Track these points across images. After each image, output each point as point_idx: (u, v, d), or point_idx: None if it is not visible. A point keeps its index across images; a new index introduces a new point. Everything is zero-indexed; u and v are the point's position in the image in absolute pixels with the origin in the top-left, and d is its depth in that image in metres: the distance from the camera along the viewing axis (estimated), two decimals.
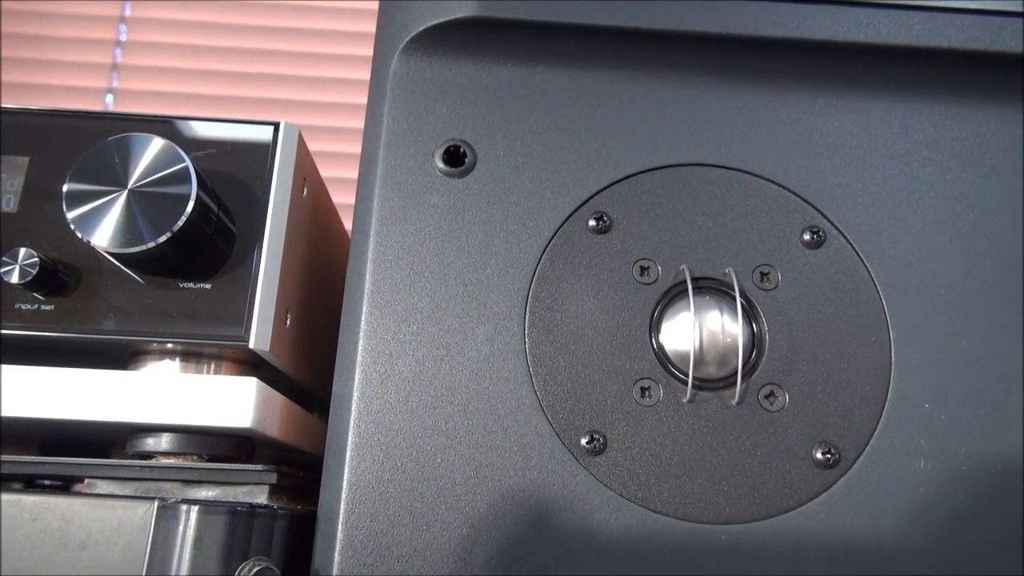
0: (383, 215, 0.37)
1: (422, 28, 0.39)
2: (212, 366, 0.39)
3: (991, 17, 0.39)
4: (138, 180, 0.36)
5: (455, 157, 0.37)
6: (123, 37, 1.15)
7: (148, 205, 0.35)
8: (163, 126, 0.40)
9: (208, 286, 0.36)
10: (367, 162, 0.38)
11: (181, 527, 0.32)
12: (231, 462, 0.37)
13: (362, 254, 0.36)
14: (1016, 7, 0.39)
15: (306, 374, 0.44)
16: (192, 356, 0.39)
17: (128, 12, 1.16)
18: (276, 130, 0.39)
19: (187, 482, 0.35)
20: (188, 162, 0.36)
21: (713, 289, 0.36)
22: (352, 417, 0.34)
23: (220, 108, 1.14)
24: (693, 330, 0.35)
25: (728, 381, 0.35)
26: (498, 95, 0.38)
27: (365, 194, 0.37)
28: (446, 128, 0.38)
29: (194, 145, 0.39)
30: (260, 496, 0.36)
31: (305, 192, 0.42)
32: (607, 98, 0.38)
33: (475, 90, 0.38)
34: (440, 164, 0.37)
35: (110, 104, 1.13)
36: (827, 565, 0.33)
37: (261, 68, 1.16)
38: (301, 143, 0.41)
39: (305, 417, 0.43)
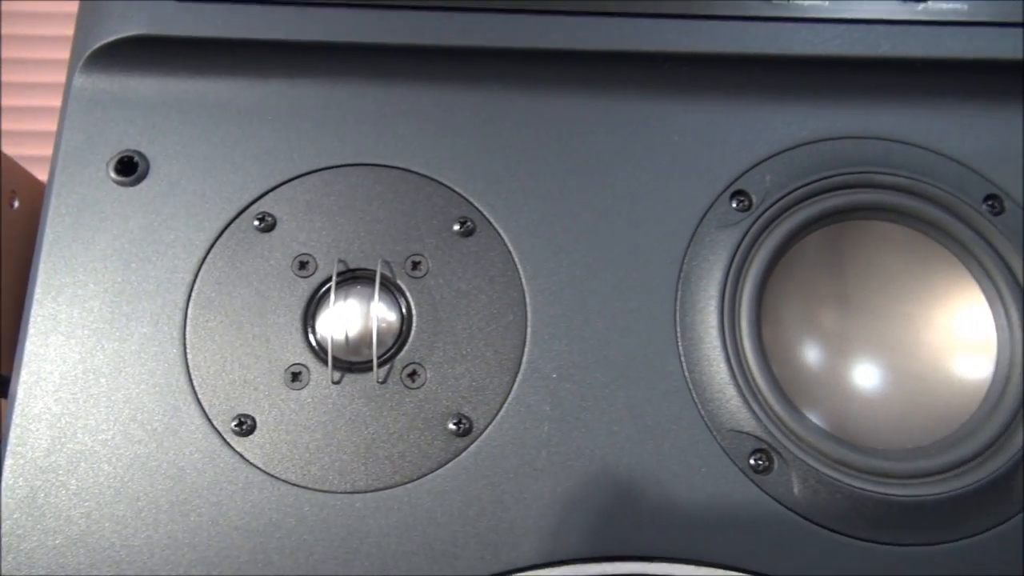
0: (56, 223, 0.39)
1: (98, 45, 0.41)
2: None
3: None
4: None
5: (128, 167, 0.40)
6: None
7: None
8: None
9: None
10: (51, 172, 0.41)
11: None
12: None
13: (36, 263, 0.39)
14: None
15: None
16: None
17: None
18: None
19: None
20: None
21: (366, 279, 0.40)
22: (16, 412, 0.37)
23: None
24: (337, 317, 0.38)
25: (377, 362, 0.39)
26: (171, 107, 0.41)
27: (44, 208, 0.40)
28: (121, 139, 0.40)
29: None
30: None
31: (16, 204, 0.44)
32: (272, 107, 0.41)
33: (149, 103, 0.41)
34: (113, 174, 0.40)
35: None
36: (460, 523, 0.37)
37: None
38: (6, 160, 0.43)
39: None
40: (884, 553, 0.37)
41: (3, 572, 0.35)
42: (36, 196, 0.47)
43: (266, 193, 0.40)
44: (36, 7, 1.17)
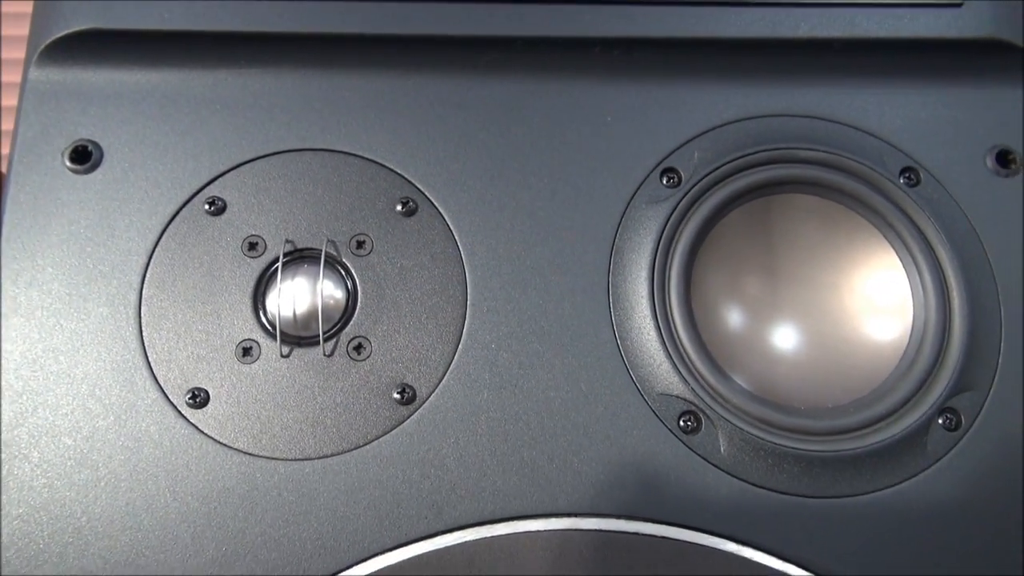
0: (15, 211, 0.41)
1: (51, 39, 0.43)
2: None
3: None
4: None
5: (82, 155, 0.42)
6: None
7: None
8: None
9: None
10: (9, 163, 0.42)
11: None
12: None
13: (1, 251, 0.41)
14: None
15: None
16: None
17: None
18: None
19: None
20: None
21: (313, 258, 0.42)
22: None
23: None
24: (285, 295, 0.40)
25: (324, 337, 0.41)
26: (123, 98, 0.43)
27: (3, 197, 0.42)
28: (75, 129, 0.42)
29: None
30: None
31: None
32: (220, 96, 0.43)
33: (102, 93, 0.43)
34: (68, 163, 0.42)
35: None
36: (404, 486, 0.39)
37: None
38: None
39: None
40: (805, 505, 0.39)
41: None
42: None
43: (216, 178, 0.42)
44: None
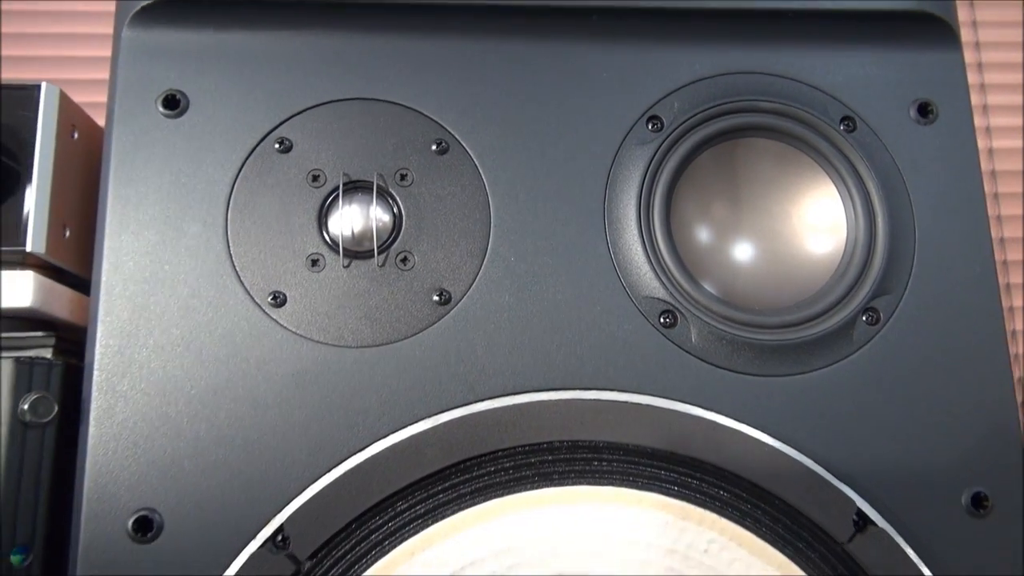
0: (119, 148, 0.50)
1: (141, 5, 0.51)
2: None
3: None
4: None
5: (172, 103, 0.51)
6: None
7: None
8: None
9: None
10: (109, 109, 0.51)
11: None
12: None
13: (107, 181, 0.49)
14: None
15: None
16: None
17: None
18: (39, 91, 0.52)
19: None
20: None
21: (366, 188, 0.51)
22: (102, 292, 0.48)
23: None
24: (344, 217, 0.50)
25: (377, 251, 0.50)
26: (205, 54, 0.51)
27: (107, 137, 0.50)
28: (164, 81, 0.51)
29: None
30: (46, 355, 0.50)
31: (76, 135, 0.55)
32: (287, 53, 0.52)
33: (187, 51, 0.51)
34: (161, 109, 0.50)
35: None
36: (443, 368, 0.49)
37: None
38: (64, 98, 0.53)
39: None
40: (757, 382, 0.50)
41: (94, 408, 0.46)
42: (90, 128, 0.57)
43: (284, 122, 0.51)
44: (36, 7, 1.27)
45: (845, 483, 0.48)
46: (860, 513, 0.48)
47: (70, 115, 0.54)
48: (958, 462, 0.50)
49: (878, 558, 0.48)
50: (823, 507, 0.48)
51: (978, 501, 0.49)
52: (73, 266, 0.54)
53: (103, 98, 0.55)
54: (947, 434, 0.50)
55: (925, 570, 0.48)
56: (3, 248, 0.49)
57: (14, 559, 0.46)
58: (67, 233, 0.53)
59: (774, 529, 0.48)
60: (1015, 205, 1.66)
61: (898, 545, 0.47)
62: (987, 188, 1.66)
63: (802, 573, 0.47)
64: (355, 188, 0.51)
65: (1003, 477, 0.50)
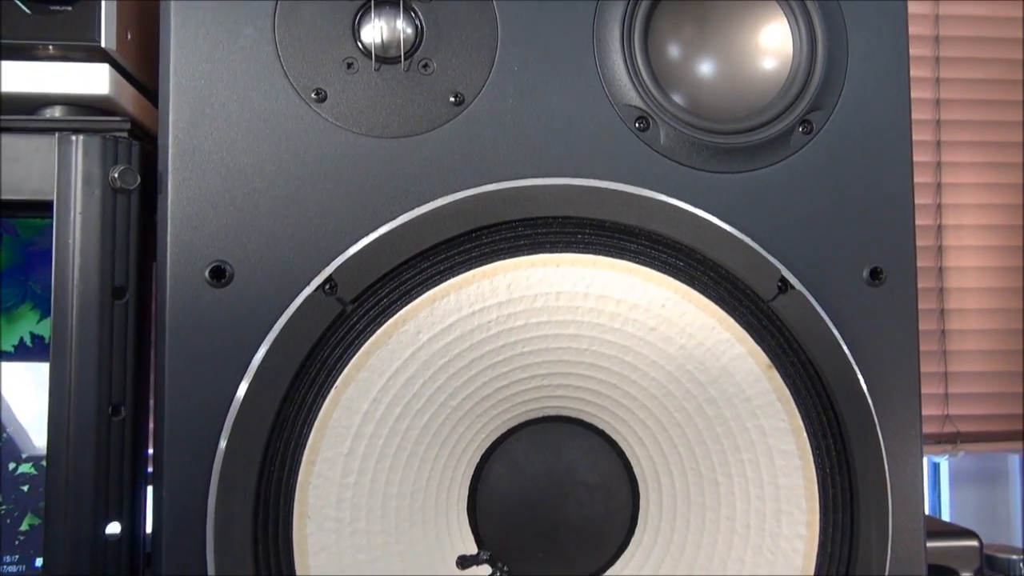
0: None
1: None
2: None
3: None
4: None
5: None
6: None
7: None
8: None
9: (70, 8, 0.57)
10: None
11: (74, 148, 0.55)
12: None
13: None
14: None
15: (148, 77, 0.66)
16: (66, 59, 0.60)
17: None
18: None
19: (75, 131, 0.58)
20: None
21: (393, 3, 0.59)
22: (171, 84, 0.57)
23: None
24: (376, 27, 0.59)
25: (401, 58, 0.59)
26: None
27: None
28: None
29: None
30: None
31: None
32: None
33: None
34: None
35: None
36: (458, 155, 0.59)
37: None
38: None
39: (149, 105, 0.66)
40: (714, 178, 0.61)
41: (172, 179, 0.56)
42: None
43: None
44: None
45: (773, 255, 0.61)
46: (783, 279, 0.61)
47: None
48: (862, 243, 0.63)
49: (795, 315, 0.61)
50: (754, 272, 0.61)
51: (875, 274, 0.63)
52: (134, 69, 0.62)
53: None
54: (856, 221, 0.63)
55: (832, 327, 0.62)
56: (80, 43, 0.57)
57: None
58: (128, 37, 0.61)
59: (716, 290, 0.61)
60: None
61: (811, 304, 0.61)
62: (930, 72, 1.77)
63: (735, 322, 0.60)
64: (383, 2, 0.59)
65: (896, 255, 0.63)
